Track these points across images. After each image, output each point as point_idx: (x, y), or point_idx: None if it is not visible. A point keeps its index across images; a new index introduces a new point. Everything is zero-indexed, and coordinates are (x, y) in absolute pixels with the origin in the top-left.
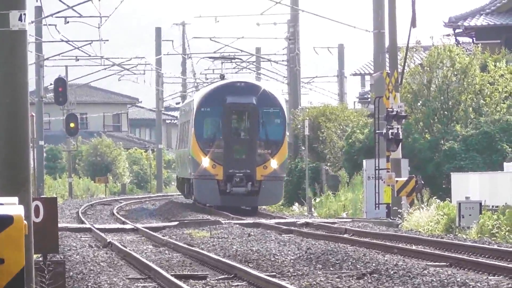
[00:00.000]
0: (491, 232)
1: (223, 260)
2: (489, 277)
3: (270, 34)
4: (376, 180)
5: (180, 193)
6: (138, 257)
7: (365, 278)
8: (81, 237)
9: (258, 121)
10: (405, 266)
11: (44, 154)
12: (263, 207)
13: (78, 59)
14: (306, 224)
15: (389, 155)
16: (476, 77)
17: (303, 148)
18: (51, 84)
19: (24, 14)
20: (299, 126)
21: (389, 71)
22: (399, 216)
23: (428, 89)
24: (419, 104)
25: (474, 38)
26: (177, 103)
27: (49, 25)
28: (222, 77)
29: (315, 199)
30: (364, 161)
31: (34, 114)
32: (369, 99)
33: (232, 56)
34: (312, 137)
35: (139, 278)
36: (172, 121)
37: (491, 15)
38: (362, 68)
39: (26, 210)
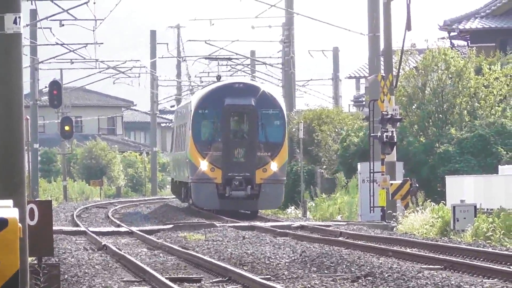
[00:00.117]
0: (486, 235)
1: (218, 263)
2: (484, 280)
3: (265, 37)
4: (370, 183)
5: (174, 196)
6: (133, 260)
7: (360, 281)
8: (76, 240)
9: (257, 123)
10: (399, 269)
11: (39, 157)
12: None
13: (73, 62)
14: (301, 227)
15: (384, 158)
16: (471, 80)
17: (298, 151)
18: (46, 87)
19: (19, 17)
20: (293, 129)
21: (384, 74)
22: (394, 219)
23: (423, 92)
24: (414, 107)
25: (469, 41)
26: (171, 106)
27: (44, 28)
28: (219, 78)
29: (310, 202)
30: (358, 164)
31: (29, 117)
32: (364, 102)
33: (228, 57)
34: (307, 140)
35: (133, 281)
36: (167, 124)
37: (486, 18)
38: (357, 71)
39: (21, 213)
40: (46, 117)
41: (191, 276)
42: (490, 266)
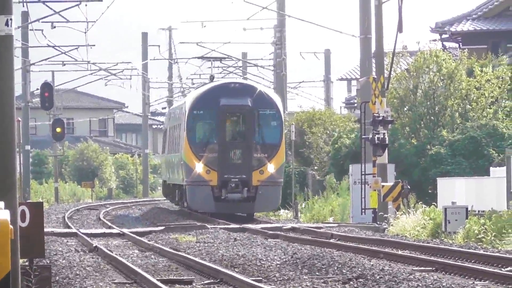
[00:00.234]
0: (477, 237)
1: (209, 264)
2: (475, 282)
3: (257, 39)
4: (362, 185)
5: (165, 198)
6: (124, 262)
7: (351, 283)
8: (67, 241)
9: (254, 124)
10: (391, 271)
11: (31, 159)
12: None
13: (64, 64)
14: (293, 229)
15: (375, 160)
16: (462, 82)
17: (290, 153)
18: (37, 89)
19: (11, 19)
20: (285, 131)
21: (375, 76)
22: (385, 221)
23: (415, 94)
24: (405, 109)
25: (460, 43)
26: (163, 108)
27: (36, 30)
28: (212, 78)
29: (301, 204)
30: (350, 166)
31: (20, 119)
32: (355, 104)
33: (221, 57)
34: (299, 141)
35: (125, 283)
36: (159, 126)
37: (478, 20)
38: (348, 73)
39: (12, 214)
40: (38, 119)
41: (182, 277)
42: (482, 268)
